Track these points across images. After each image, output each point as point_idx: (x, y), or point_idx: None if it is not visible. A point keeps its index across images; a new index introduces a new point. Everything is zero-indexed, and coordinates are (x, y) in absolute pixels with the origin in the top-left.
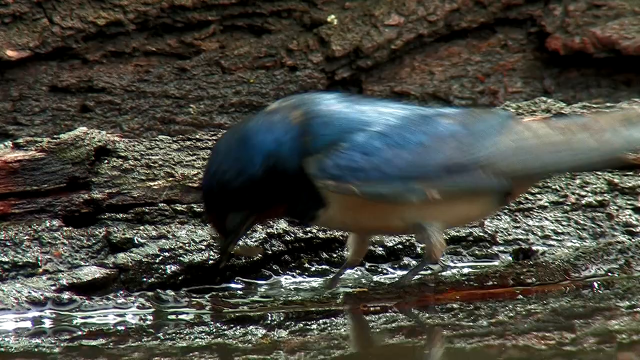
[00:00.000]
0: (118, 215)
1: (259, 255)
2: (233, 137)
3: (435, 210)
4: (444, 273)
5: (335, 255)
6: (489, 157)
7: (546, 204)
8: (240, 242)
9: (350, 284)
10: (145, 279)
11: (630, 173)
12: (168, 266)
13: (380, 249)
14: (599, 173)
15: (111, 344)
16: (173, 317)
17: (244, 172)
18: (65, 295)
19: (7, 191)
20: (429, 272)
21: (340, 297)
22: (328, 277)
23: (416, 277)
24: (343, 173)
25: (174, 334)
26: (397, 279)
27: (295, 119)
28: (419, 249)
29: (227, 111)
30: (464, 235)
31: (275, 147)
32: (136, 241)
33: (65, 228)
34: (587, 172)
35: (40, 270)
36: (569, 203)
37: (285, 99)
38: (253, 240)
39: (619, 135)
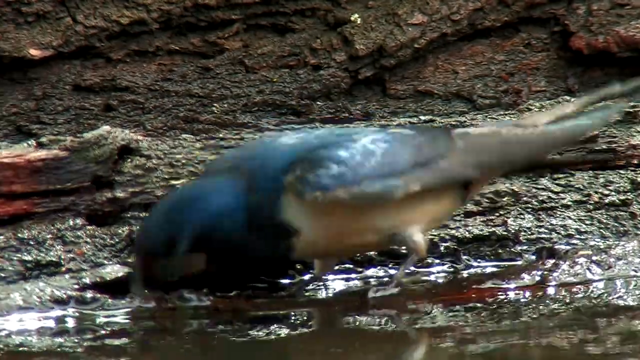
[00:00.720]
0: (141, 214)
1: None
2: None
3: (406, 216)
4: (464, 273)
5: (358, 255)
6: (449, 152)
7: (569, 202)
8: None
9: (374, 282)
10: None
11: None
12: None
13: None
14: (622, 172)
15: (134, 343)
16: (195, 316)
17: (178, 232)
18: (89, 294)
19: (31, 190)
20: (452, 269)
21: (369, 295)
22: (295, 282)
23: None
24: (327, 182)
25: (197, 333)
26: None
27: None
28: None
29: (250, 110)
30: (487, 234)
31: (214, 213)
32: None
33: (88, 227)
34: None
35: (64, 268)
36: (592, 202)
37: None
38: None
39: (557, 127)
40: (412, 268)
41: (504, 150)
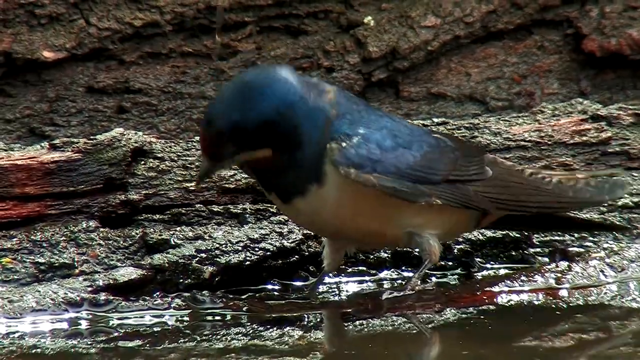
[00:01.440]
0: (154, 216)
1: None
2: (245, 83)
3: (426, 219)
4: (478, 274)
5: (371, 257)
6: (479, 179)
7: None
8: None
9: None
10: (181, 280)
11: None
12: (204, 267)
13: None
14: (636, 174)
15: (147, 345)
16: (209, 318)
17: (261, 113)
18: (102, 296)
19: (44, 192)
20: (465, 272)
21: (383, 297)
22: (308, 284)
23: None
24: (365, 163)
25: (210, 335)
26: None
27: (328, 93)
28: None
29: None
30: (500, 236)
31: (294, 97)
32: (172, 242)
33: (101, 229)
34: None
35: (77, 271)
36: (605, 204)
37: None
38: (290, 240)
39: (586, 190)
40: (426, 271)
41: (523, 193)
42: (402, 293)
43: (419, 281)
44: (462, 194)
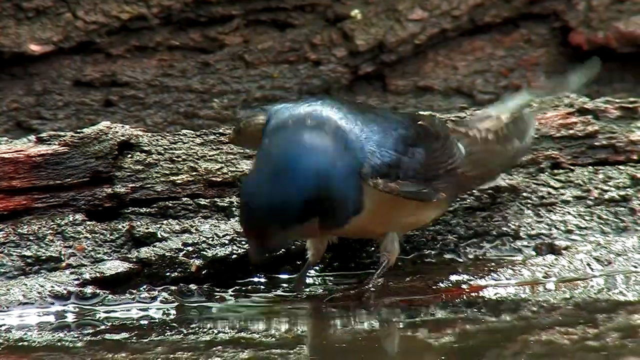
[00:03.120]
0: (141, 210)
1: None
2: (278, 160)
3: (414, 218)
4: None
5: (363, 255)
6: (460, 161)
7: (569, 198)
8: None
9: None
10: (168, 273)
11: None
12: (191, 260)
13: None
14: (622, 168)
15: (134, 338)
16: (196, 311)
17: (298, 196)
18: (89, 290)
19: (30, 185)
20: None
21: (368, 293)
22: (294, 277)
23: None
24: (389, 172)
25: (197, 329)
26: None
27: (330, 132)
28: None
29: (250, 106)
30: (487, 229)
31: (326, 165)
32: (159, 235)
33: (88, 222)
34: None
35: (64, 264)
36: (592, 198)
37: (293, 110)
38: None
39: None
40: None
41: (490, 161)
42: (366, 287)
43: (380, 280)
44: (456, 182)
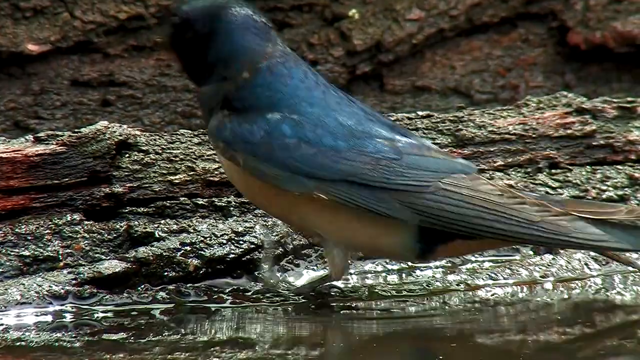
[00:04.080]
0: (139, 209)
1: None
2: None
3: (327, 224)
4: (462, 267)
5: None
6: (410, 191)
7: (567, 198)
8: None
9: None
10: (166, 273)
11: None
12: (189, 260)
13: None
14: (620, 167)
15: (132, 338)
16: (194, 311)
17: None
18: (86, 289)
19: (28, 185)
20: (449, 264)
21: (366, 292)
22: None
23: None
24: (235, 141)
25: (194, 328)
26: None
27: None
28: None
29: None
30: None
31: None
32: (157, 235)
33: (86, 222)
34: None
35: (61, 264)
36: (590, 197)
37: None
38: (274, 234)
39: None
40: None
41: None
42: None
43: (311, 291)
44: (368, 196)
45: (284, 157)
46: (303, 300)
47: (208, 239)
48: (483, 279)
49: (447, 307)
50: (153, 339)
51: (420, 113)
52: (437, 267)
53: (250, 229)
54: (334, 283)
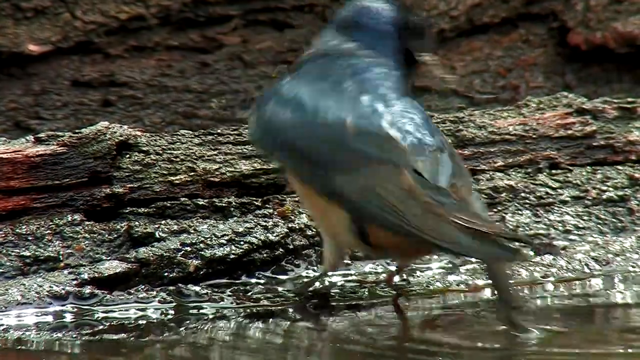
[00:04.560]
0: (140, 210)
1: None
2: None
3: (309, 207)
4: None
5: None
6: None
7: (567, 198)
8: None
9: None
10: (166, 274)
11: None
12: (189, 260)
13: None
14: (620, 168)
15: (132, 338)
16: (194, 311)
17: None
18: (87, 290)
19: (29, 185)
20: (450, 265)
21: (366, 292)
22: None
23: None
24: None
25: (195, 329)
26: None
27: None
28: None
29: (249, 106)
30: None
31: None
32: (157, 235)
33: (86, 222)
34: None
35: (62, 264)
36: (590, 198)
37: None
38: (274, 234)
39: None
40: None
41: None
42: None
43: (308, 289)
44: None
45: (269, 128)
46: (303, 301)
47: (208, 239)
48: (483, 279)
49: (446, 305)
50: (153, 339)
51: None
52: (437, 268)
53: (251, 230)
54: (335, 283)
